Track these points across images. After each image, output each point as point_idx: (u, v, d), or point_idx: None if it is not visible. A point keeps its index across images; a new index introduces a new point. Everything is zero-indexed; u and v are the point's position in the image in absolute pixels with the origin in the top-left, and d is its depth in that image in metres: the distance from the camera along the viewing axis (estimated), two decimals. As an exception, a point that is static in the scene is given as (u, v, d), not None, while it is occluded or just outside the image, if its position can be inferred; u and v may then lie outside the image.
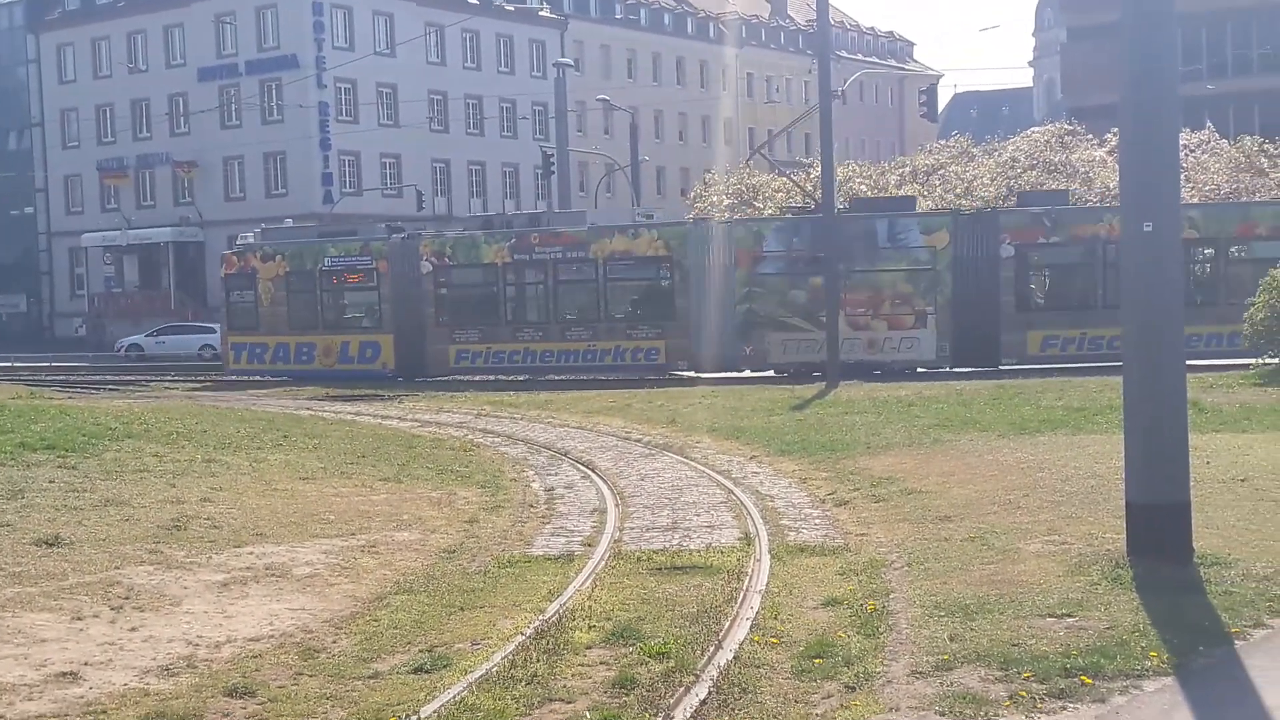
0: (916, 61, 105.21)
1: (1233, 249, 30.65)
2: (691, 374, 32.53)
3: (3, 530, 12.10)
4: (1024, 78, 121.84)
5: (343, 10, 65.23)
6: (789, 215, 35.28)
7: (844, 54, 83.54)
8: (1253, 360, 24.25)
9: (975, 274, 31.20)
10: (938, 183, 52.12)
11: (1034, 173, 50.65)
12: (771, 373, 31.52)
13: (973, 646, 8.03)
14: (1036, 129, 59.29)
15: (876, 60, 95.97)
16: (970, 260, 31.26)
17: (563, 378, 32.89)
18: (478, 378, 34.19)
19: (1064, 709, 7.04)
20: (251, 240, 38.05)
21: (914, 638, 8.40)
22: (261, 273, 36.75)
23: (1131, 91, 9.70)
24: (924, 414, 20.32)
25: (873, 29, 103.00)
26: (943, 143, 61.60)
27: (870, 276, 31.73)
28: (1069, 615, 8.58)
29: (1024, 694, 7.20)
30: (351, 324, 36.52)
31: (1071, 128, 54.26)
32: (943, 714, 7.03)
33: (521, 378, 33.62)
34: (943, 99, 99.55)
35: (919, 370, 30.85)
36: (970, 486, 13.82)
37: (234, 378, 37.38)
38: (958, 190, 49.76)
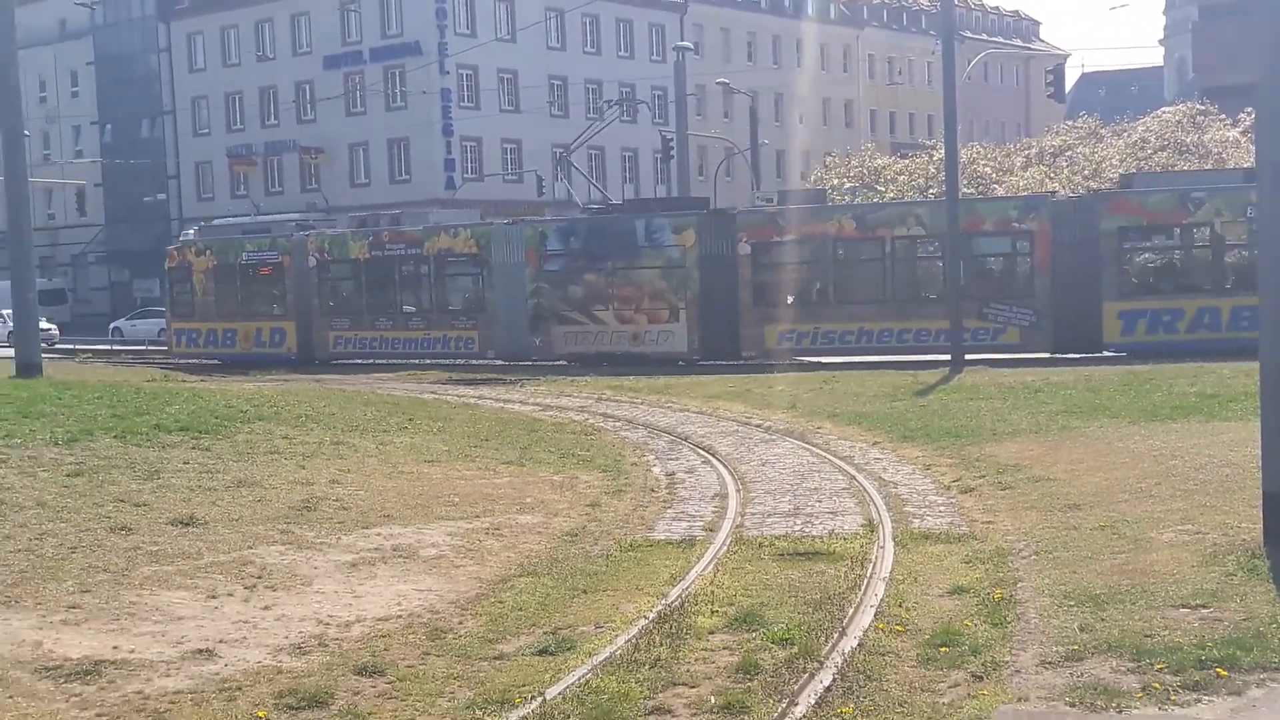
0: (1043, 41, 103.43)
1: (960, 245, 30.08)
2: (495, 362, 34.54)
3: (140, 510, 12.39)
4: (1154, 57, 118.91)
5: (465, -3, 65.82)
6: (582, 215, 36.91)
7: (968, 34, 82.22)
8: None
9: (719, 271, 32.24)
10: (1065, 164, 51.27)
11: (1165, 153, 49.64)
12: (564, 362, 33.41)
13: (1103, 637, 7.91)
14: (1167, 109, 58.01)
15: (1002, 40, 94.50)
16: (714, 258, 32.32)
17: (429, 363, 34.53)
18: (352, 362, 36.87)
19: (1198, 701, 6.91)
20: (191, 236, 41.75)
21: (1043, 627, 8.30)
22: (196, 266, 40.15)
23: (1269, 70, 9.48)
24: (1051, 400, 20.00)
25: (997, 8, 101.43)
26: (1070, 123, 60.60)
27: (633, 274, 33.50)
28: (1203, 606, 8.42)
29: (1157, 685, 7.08)
30: (263, 312, 39.18)
31: (1204, 107, 53.04)
32: (1073, 704, 6.94)
33: (380, 363, 36.06)
34: (1070, 79, 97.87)
35: (679, 362, 32.29)
36: (1100, 474, 13.59)
37: (178, 360, 40.33)
38: (1085, 172, 48.95)
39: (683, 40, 60.45)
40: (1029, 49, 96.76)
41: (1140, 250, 30.40)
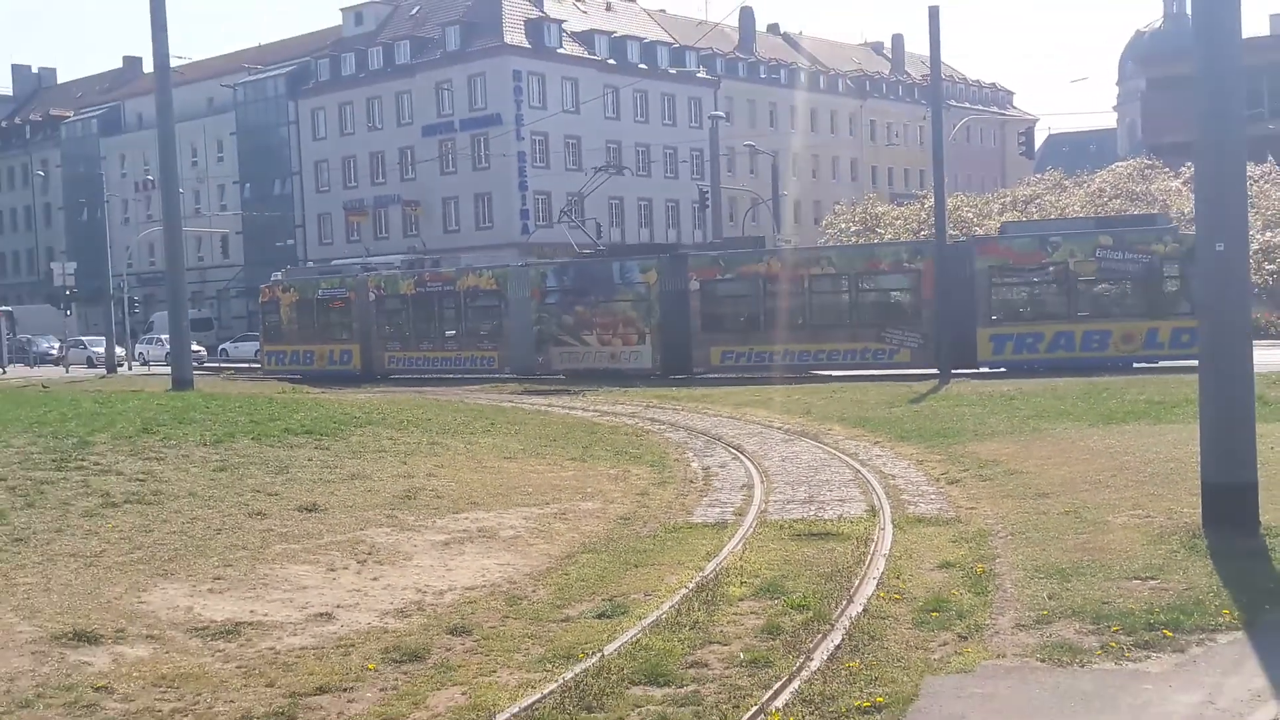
0: (1016, 108, 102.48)
1: (863, 281, 32.14)
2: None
3: (272, 499, 12.47)
4: (1109, 120, 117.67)
5: (537, 77, 66.03)
6: (573, 259, 37.38)
7: (953, 103, 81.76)
8: None
9: (675, 303, 33.10)
10: (1035, 210, 50.85)
11: (1119, 201, 49.17)
12: (562, 377, 33.96)
13: (1068, 604, 7.82)
14: (1120, 164, 57.52)
15: (981, 107, 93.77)
16: (672, 293, 33.18)
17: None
18: (403, 377, 37.26)
19: (1148, 658, 6.83)
20: (279, 277, 42.85)
21: (1017, 596, 8.21)
22: (283, 300, 41.37)
23: (1204, 130, 9.43)
24: (1023, 406, 19.80)
25: (978, 81, 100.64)
26: (1038, 176, 60.17)
27: (611, 305, 34.32)
28: (1152, 578, 8.31)
29: (1114, 645, 7.00)
30: (334, 337, 40.16)
31: (1151, 162, 52.53)
32: (1043, 660, 6.86)
33: (428, 378, 36.33)
34: (1038, 139, 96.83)
35: (648, 376, 32.74)
36: (1064, 468, 13.44)
37: (269, 375, 41.24)
38: (1052, 215, 48.57)
39: (716, 110, 60.43)
40: (1004, 114, 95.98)
41: (1007, 285, 30.57)
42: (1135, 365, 28.32)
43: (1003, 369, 29.09)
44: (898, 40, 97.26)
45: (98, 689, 6.68)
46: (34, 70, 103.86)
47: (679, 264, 33.68)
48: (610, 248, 38.56)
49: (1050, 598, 8.02)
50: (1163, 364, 27.51)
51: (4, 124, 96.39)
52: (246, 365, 51.10)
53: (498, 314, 36.33)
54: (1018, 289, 30.72)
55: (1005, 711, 6.24)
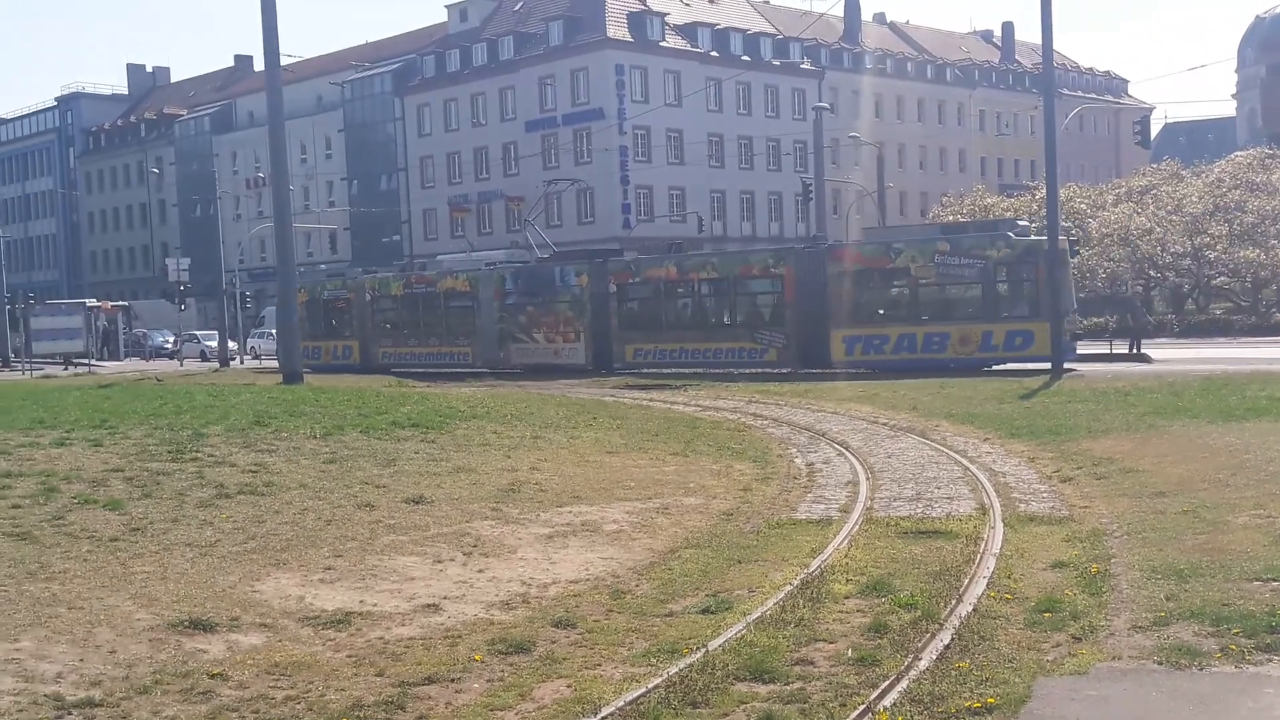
0: (1131, 96, 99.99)
1: (739, 285, 34.06)
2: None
3: (380, 491, 12.69)
4: (1228, 109, 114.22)
5: (639, 70, 66.17)
6: (525, 264, 40.06)
7: (1065, 91, 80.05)
8: None
9: (601, 304, 35.42)
10: (1150, 201, 49.55)
11: (1238, 191, 47.69)
12: (518, 370, 36.45)
13: (1187, 605, 7.63)
14: (1240, 153, 55.74)
15: (1095, 96, 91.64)
16: (599, 295, 35.39)
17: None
18: (397, 370, 38.88)
19: (1269, 660, 6.64)
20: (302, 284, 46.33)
21: (1133, 597, 8.03)
22: (302, 302, 43.99)
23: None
24: (1139, 403, 19.32)
25: (1091, 69, 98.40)
26: (1154, 166, 58.56)
27: (554, 306, 36.73)
28: (1274, 580, 8.07)
29: (1234, 647, 6.81)
30: (338, 334, 43.61)
31: (1272, 151, 50.88)
32: (1160, 663, 6.70)
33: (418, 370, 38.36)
34: (1154, 129, 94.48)
35: (577, 372, 34.75)
36: (1182, 466, 13.09)
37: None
38: (1169, 207, 47.30)
39: (820, 101, 59.93)
40: (1119, 103, 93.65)
41: (856, 289, 31.34)
42: (986, 369, 28.88)
43: (867, 368, 30.35)
44: (1008, 28, 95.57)
45: (213, 676, 6.87)
46: (149, 69, 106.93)
47: (601, 269, 36.08)
48: (555, 254, 41.00)
49: (1168, 599, 7.83)
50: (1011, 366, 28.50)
51: (120, 122, 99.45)
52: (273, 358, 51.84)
53: (471, 313, 38.85)
54: (866, 293, 31.57)
55: (1120, 715, 6.10)
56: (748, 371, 31.52)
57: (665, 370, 33.24)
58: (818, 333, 31.10)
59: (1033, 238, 29.61)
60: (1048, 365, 27.46)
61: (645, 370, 33.75)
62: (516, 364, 36.86)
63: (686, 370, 32.67)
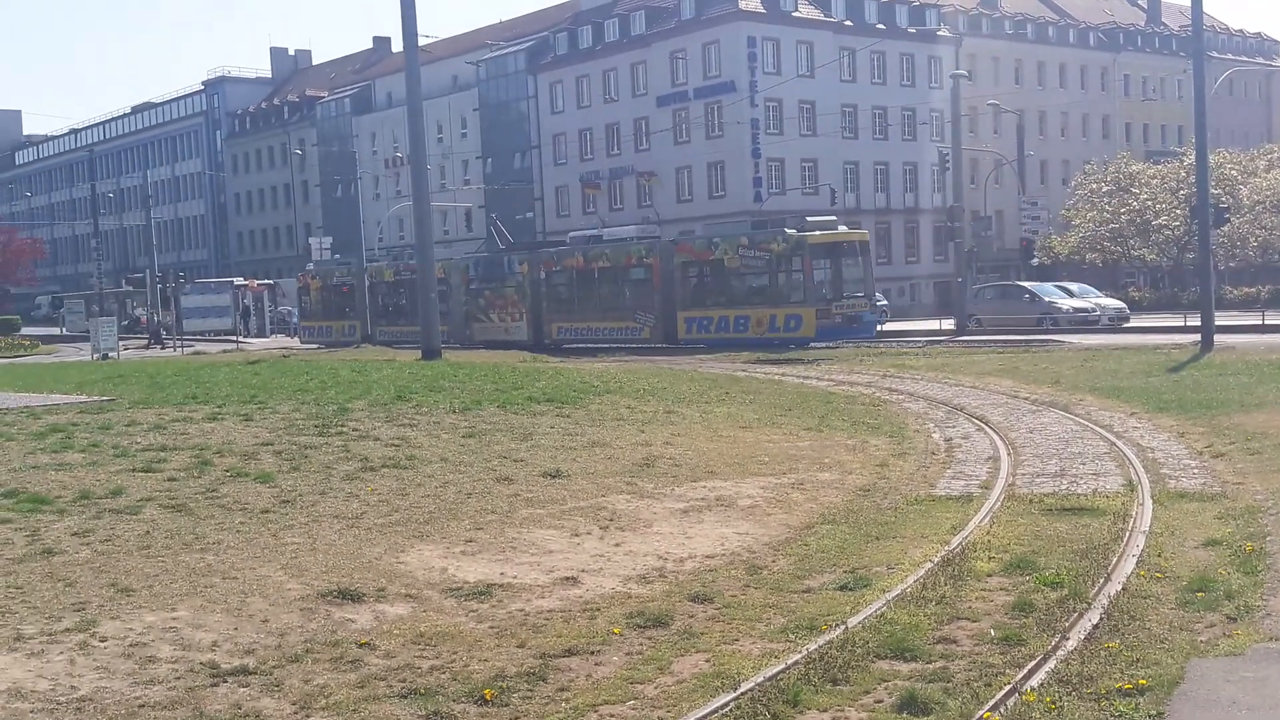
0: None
1: (624, 273, 39.50)
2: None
3: (518, 465, 12.86)
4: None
5: (772, 42, 65.56)
6: (486, 253, 48.11)
7: (1215, 54, 76.92)
8: None
9: (536, 289, 41.63)
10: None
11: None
12: (482, 347, 40.50)
13: (1351, 588, 7.30)
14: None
15: (1245, 59, 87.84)
16: (535, 281, 41.71)
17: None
18: (390, 345, 43.34)
19: None
20: (311, 268, 55.67)
21: (1292, 578, 7.71)
22: (311, 286, 53.91)
23: None
24: (1296, 376, 18.57)
25: (1241, 30, 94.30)
26: (1312, 129, 56.05)
27: (503, 291, 43.13)
28: None
29: (1404, 634, 6.49)
30: (345, 315, 51.02)
31: None
32: (1323, 648, 6.42)
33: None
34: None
35: (521, 347, 38.73)
36: (1344, 443, 12.53)
37: (305, 345, 50.63)
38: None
39: (958, 69, 58.57)
40: (1270, 65, 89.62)
41: (690, 278, 37.41)
42: (811, 345, 33.29)
43: (700, 345, 35.42)
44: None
45: (361, 645, 7.04)
46: (290, 53, 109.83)
47: (537, 258, 42.14)
48: (510, 246, 47.03)
49: (1331, 581, 7.50)
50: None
51: (264, 105, 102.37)
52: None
53: (445, 297, 42.58)
54: (697, 281, 37.47)
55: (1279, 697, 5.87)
56: (629, 346, 36.90)
57: (579, 345, 38.65)
58: (672, 314, 37.12)
59: (801, 234, 34.04)
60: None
61: (566, 346, 39.10)
62: (479, 340, 42.07)
63: (590, 345, 37.85)
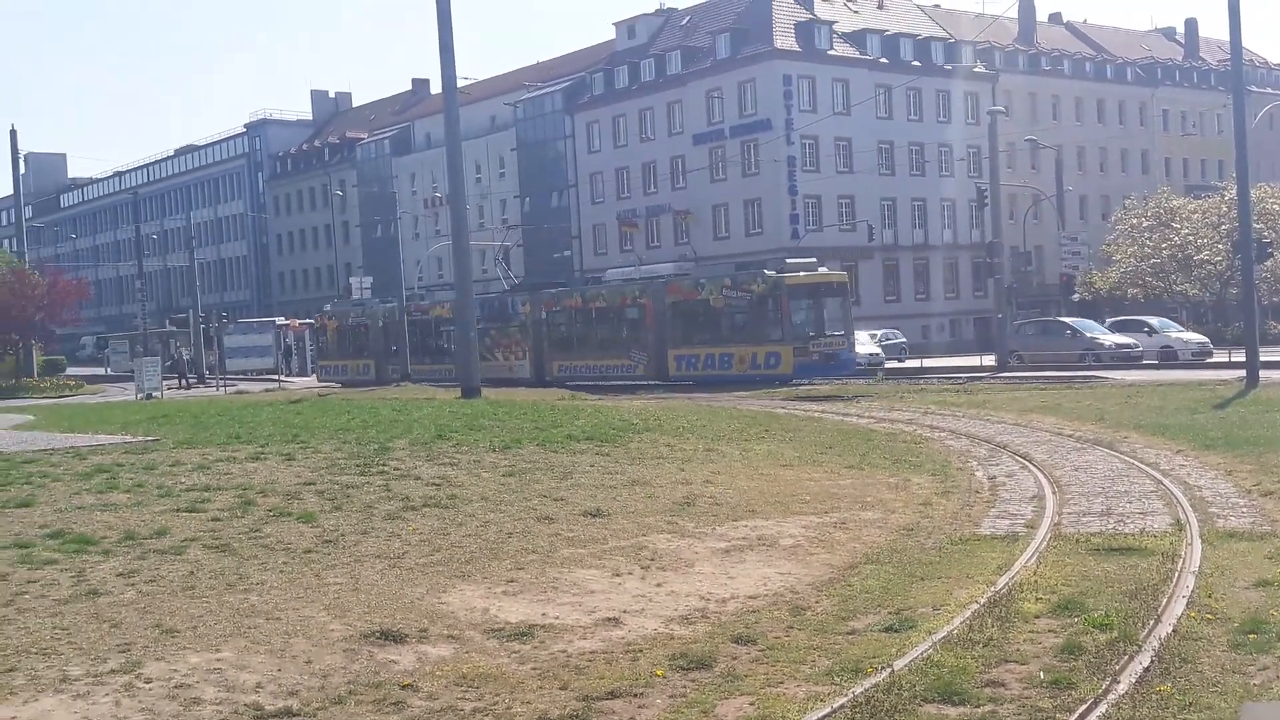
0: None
1: (619, 313, 41.03)
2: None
3: (558, 503, 12.85)
4: None
5: (808, 80, 65.76)
6: (492, 294, 48.71)
7: (1254, 88, 76.32)
8: None
9: (538, 329, 43.27)
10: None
11: None
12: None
13: None
14: None
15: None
16: (537, 321, 43.23)
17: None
18: (421, 381, 45.09)
19: None
20: (328, 309, 58.22)
21: (1349, 620, 7.55)
22: (329, 327, 56.10)
23: None
24: (1345, 412, 18.28)
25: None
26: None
27: (508, 330, 44.40)
28: None
29: None
30: (359, 354, 52.97)
31: None
32: (1383, 693, 6.28)
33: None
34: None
35: (526, 384, 40.23)
36: (1398, 481, 12.30)
37: (322, 384, 52.51)
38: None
39: (995, 105, 58.50)
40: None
41: (680, 317, 38.66)
42: (793, 381, 34.28)
43: (689, 381, 37.02)
44: (1191, 24, 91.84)
45: (404, 687, 7.02)
46: (331, 95, 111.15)
47: (539, 298, 43.89)
48: (515, 286, 49.25)
49: (1389, 624, 7.34)
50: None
51: (305, 147, 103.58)
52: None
53: (451, 336, 45.06)
54: (685, 320, 38.70)
55: (1341, 748, 5.73)
56: (624, 383, 38.18)
57: (580, 383, 39.20)
58: (664, 352, 38.63)
59: (779, 275, 35.80)
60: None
61: (567, 383, 39.66)
62: (484, 378, 42.86)
63: (588, 383, 38.68)
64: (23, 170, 66.65)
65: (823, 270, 37.81)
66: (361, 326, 53.51)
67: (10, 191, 79.92)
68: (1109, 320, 45.47)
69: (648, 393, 34.51)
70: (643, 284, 40.88)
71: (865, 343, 48.28)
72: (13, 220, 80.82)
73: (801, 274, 36.14)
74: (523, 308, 43.90)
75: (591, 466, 15.29)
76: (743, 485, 14.43)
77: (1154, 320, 44.03)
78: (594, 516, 12.14)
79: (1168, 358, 39.29)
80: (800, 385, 33.77)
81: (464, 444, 17.24)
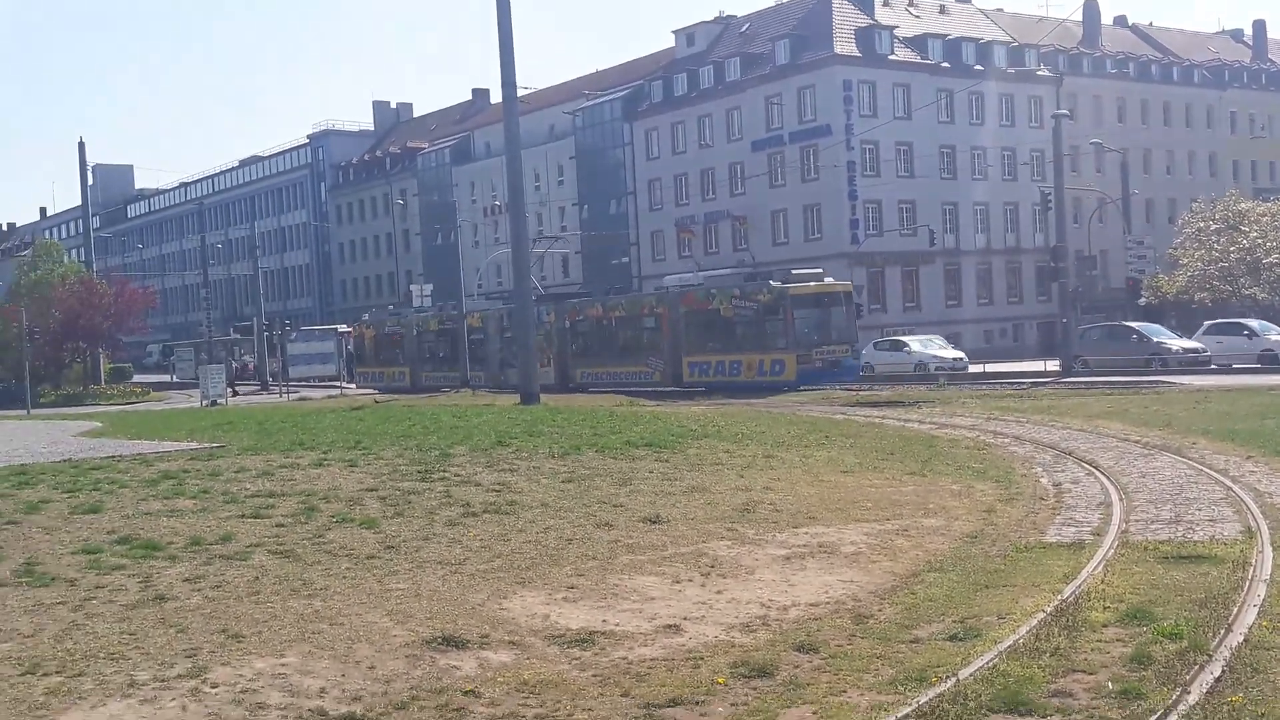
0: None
1: (637, 321, 43.58)
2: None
3: (618, 510, 12.84)
4: None
5: (868, 85, 65.36)
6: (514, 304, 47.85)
7: (1326, 86, 74.98)
8: None
9: (562, 337, 45.10)
10: None
11: None
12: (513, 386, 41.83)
13: None
14: None
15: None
16: (561, 329, 45.17)
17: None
18: (440, 389, 47.29)
19: None
20: (366, 318, 60.71)
21: None
22: (365, 335, 58.21)
23: None
24: None
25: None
26: None
27: (536, 337, 41.99)
28: None
29: None
30: (396, 362, 54.86)
31: None
32: None
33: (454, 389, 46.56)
34: None
35: (548, 391, 39.00)
36: None
37: (361, 390, 53.45)
38: None
39: (1059, 109, 57.80)
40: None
41: (693, 325, 40.04)
42: (801, 388, 35.35)
43: (700, 387, 38.16)
44: (1259, 26, 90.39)
45: (466, 693, 7.04)
46: (392, 106, 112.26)
47: (563, 307, 45.93)
48: (540, 297, 49.53)
49: None
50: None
51: (366, 157, 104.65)
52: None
53: (481, 344, 49.04)
54: (697, 329, 40.01)
55: None
56: (642, 389, 39.55)
57: (601, 388, 40.87)
58: (679, 359, 40.11)
59: (784, 285, 37.06)
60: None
61: (589, 389, 41.69)
62: (511, 384, 42.80)
63: (610, 389, 39.93)
64: (90, 181, 67.95)
65: (828, 280, 39.13)
66: (397, 335, 55.77)
67: (79, 202, 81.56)
68: (1206, 323, 43.52)
69: (663, 398, 35.28)
70: (659, 294, 43.23)
71: (944, 347, 47.78)
72: (81, 230, 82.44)
73: (807, 284, 37.53)
74: (547, 317, 45.26)
75: (650, 473, 15.27)
76: (803, 492, 14.33)
77: (1254, 323, 41.69)
78: (653, 523, 12.12)
79: (1268, 362, 37.49)
80: (861, 390, 33.62)
81: (523, 450, 17.30)
